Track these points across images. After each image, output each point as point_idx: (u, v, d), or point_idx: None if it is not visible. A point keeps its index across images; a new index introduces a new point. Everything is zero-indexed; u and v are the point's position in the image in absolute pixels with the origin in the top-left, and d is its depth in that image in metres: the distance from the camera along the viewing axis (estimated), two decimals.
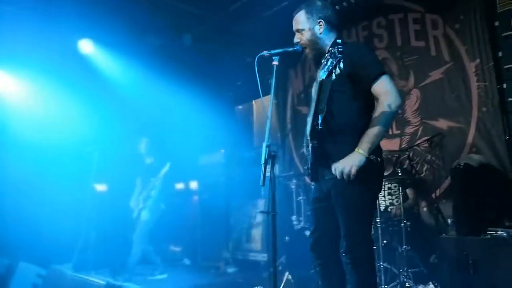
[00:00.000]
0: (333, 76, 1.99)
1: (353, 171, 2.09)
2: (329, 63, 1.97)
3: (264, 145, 2.16)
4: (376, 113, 2.17)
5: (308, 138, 2.27)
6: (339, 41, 1.99)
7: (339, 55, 1.92)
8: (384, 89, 2.16)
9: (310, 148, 2.25)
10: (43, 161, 5.38)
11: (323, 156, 2.23)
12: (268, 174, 2.13)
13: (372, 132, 2.14)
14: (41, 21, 5.02)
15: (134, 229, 5.29)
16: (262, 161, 2.12)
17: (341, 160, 2.13)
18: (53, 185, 5.34)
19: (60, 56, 5.53)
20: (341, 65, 1.94)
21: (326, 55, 2.00)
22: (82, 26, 5.33)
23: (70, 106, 5.80)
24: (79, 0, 4.79)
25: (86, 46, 5.73)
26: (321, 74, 2.05)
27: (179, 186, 7.13)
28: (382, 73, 2.18)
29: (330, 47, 1.97)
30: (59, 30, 5.27)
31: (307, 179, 2.57)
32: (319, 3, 2.39)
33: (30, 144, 5.31)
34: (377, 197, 3.01)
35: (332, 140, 2.21)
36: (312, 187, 2.55)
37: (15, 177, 5.22)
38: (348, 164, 2.10)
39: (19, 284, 4.40)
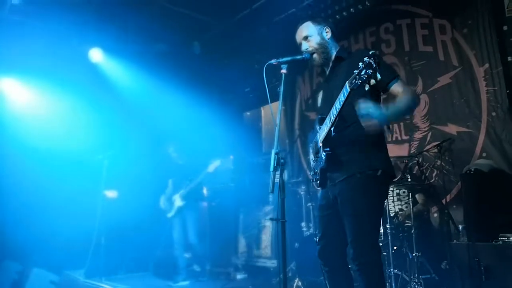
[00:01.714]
0: (367, 87, 1.91)
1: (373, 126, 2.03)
2: (363, 72, 1.88)
3: (273, 152, 2.18)
4: (398, 99, 2.18)
5: (320, 145, 2.29)
6: (373, 52, 1.89)
7: (376, 66, 1.85)
8: (403, 88, 2.24)
9: (322, 155, 2.27)
10: (55, 168, 5.45)
11: (336, 163, 2.26)
12: (277, 181, 2.15)
13: (396, 108, 2.14)
14: (52, 31, 5.13)
15: (172, 227, 5.38)
16: (271, 169, 2.15)
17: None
18: (65, 192, 5.41)
19: (71, 66, 5.62)
20: (378, 75, 1.86)
21: (359, 64, 1.89)
22: (92, 36, 5.44)
23: (81, 114, 5.89)
24: (89, 10, 4.89)
25: (96, 55, 5.83)
26: (353, 84, 1.94)
27: None
28: (397, 76, 2.28)
29: (365, 57, 1.87)
30: (70, 40, 5.39)
31: (314, 186, 2.57)
32: (322, 15, 2.50)
33: (41, 152, 5.39)
34: (383, 204, 3.00)
35: (345, 146, 2.24)
36: (319, 194, 2.56)
37: (28, 184, 5.30)
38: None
39: None
